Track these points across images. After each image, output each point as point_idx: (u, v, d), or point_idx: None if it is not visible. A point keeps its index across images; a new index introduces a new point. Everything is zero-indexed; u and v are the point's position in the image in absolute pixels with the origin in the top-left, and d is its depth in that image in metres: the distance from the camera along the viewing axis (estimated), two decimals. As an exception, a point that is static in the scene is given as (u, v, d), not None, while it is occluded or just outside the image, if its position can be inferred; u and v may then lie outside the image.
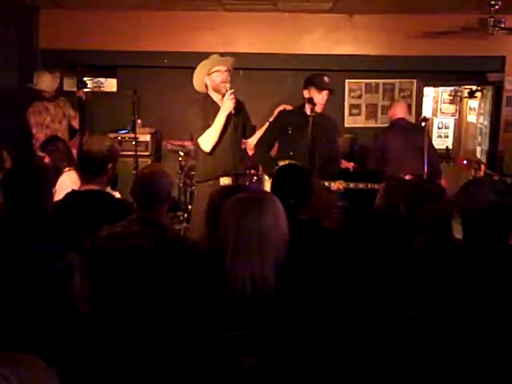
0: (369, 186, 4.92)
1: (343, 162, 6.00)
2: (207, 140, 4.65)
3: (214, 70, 4.72)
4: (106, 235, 2.86)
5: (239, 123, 4.83)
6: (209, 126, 4.64)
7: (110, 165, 3.31)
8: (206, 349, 1.99)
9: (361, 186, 4.94)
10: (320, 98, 4.88)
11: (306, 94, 4.94)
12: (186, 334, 2.10)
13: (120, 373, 2.46)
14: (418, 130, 5.51)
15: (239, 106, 4.82)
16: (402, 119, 6.04)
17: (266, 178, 5.16)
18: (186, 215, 6.54)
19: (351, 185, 4.91)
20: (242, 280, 2.03)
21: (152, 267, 2.77)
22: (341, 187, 4.82)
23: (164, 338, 2.39)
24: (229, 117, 4.64)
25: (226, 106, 4.59)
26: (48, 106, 6.60)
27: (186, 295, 2.19)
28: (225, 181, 4.71)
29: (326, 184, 4.77)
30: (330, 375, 1.72)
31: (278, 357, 1.94)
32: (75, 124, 6.55)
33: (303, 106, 4.98)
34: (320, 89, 4.89)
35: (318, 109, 4.85)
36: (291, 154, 4.89)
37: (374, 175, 5.55)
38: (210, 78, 4.74)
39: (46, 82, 6.57)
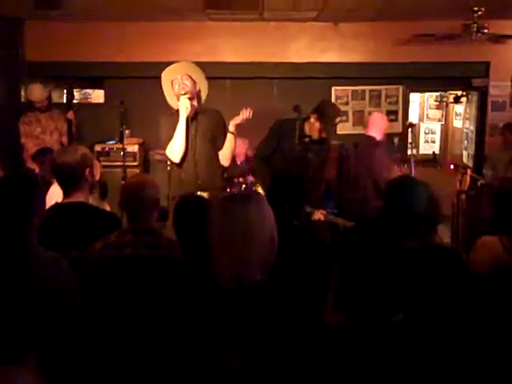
0: (347, 224, 4.62)
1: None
2: (172, 148, 4.58)
3: (172, 81, 4.68)
4: (101, 246, 2.86)
5: (209, 133, 4.70)
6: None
7: (87, 170, 3.26)
8: (198, 349, 2.00)
9: (340, 221, 4.75)
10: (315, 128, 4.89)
11: (312, 119, 4.91)
12: (180, 335, 2.11)
13: (115, 373, 2.48)
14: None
15: (211, 115, 4.75)
16: None
17: (260, 189, 5.08)
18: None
19: (330, 217, 4.72)
20: (229, 276, 2.05)
21: (147, 274, 2.77)
22: (322, 217, 4.63)
23: (158, 341, 2.40)
24: (192, 126, 4.58)
25: (182, 106, 4.52)
26: (39, 117, 6.58)
27: (181, 298, 2.20)
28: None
29: (308, 210, 4.56)
30: (318, 373, 1.73)
31: (266, 354, 1.95)
32: (64, 140, 6.50)
33: (303, 123, 4.94)
34: (326, 130, 4.92)
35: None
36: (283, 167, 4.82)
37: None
38: (173, 89, 4.70)
39: (36, 92, 6.55)
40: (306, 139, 4.86)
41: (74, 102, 6.66)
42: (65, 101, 6.66)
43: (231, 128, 4.65)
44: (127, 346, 2.67)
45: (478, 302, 2.46)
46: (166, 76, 4.75)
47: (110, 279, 2.80)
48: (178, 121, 4.57)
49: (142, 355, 2.61)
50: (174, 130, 4.57)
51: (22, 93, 7.20)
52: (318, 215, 4.64)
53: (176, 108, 4.68)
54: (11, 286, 2.28)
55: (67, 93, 6.47)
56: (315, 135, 4.90)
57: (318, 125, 4.87)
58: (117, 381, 2.59)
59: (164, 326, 2.32)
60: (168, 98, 4.81)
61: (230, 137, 4.68)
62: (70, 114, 6.27)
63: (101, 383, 2.53)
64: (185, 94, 4.55)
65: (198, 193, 4.49)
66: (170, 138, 4.59)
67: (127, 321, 2.73)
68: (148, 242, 2.86)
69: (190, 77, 4.68)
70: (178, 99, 4.61)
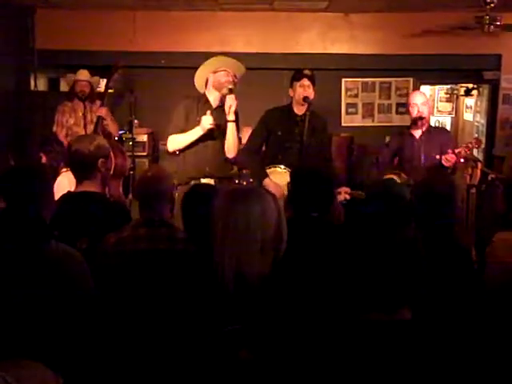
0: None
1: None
2: (174, 143, 4.54)
3: (223, 68, 4.58)
4: (115, 241, 2.84)
5: (221, 125, 4.58)
6: (185, 128, 4.51)
7: (99, 161, 3.24)
8: (205, 343, 2.00)
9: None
10: (301, 89, 4.69)
11: (290, 93, 4.81)
12: (191, 329, 2.11)
13: (128, 368, 2.49)
14: None
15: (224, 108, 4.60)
16: None
17: None
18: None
19: (355, 193, 4.36)
20: (229, 272, 2.04)
21: (165, 268, 2.73)
22: (347, 197, 4.27)
23: (173, 335, 2.40)
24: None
25: (204, 126, 4.41)
26: (76, 108, 6.30)
27: (198, 294, 2.20)
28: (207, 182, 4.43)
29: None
30: (322, 369, 1.73)
31: (271, 350, 1.95)
32: (112, 130, 6.12)
33: (290, 105, 4.85)
34: (298, 78, 4.74)
35: (304, 94, 4.68)
36: (280, 157, 4.71)
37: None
38: (214, 75, 4.58)
39: (81, 74, 6.38)
40: (298, 118, 4.72)
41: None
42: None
43: (230, 116, 4.50)
44: (141, 341, 2.65)
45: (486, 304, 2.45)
46: (221, 61, 4.65)
47: (126, 274, 2.78)
48: (192, 107, 4.56)
49: (156, 350, 2.60)
50: (185, 118, 4.52)
51: (32, 81, 7.19)
52: (343, 195, 4.27)
53: (199, 87, 4.68)
54: (26, 278, 2.30)
55: (107, 81, 6.10)
56: (311, 96, 4.70)
57: (296, 86, 4.73)
58: (128, 375, 2.58)
59: (179, 320, 2.32)
60: (200, 74, 4.69)
61: (230, 126, 4.53)
62: (101, 111, 5.90)
63: (114, 378, 2.54)
64: (212, 123, 4.41)
65: (205, 180, 4.45)
66: (177, 126, 4.53)
67: (143, 315, 2.70)
68: (164, 235, 2.85)
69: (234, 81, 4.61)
70: (217, 87, 4.57)
